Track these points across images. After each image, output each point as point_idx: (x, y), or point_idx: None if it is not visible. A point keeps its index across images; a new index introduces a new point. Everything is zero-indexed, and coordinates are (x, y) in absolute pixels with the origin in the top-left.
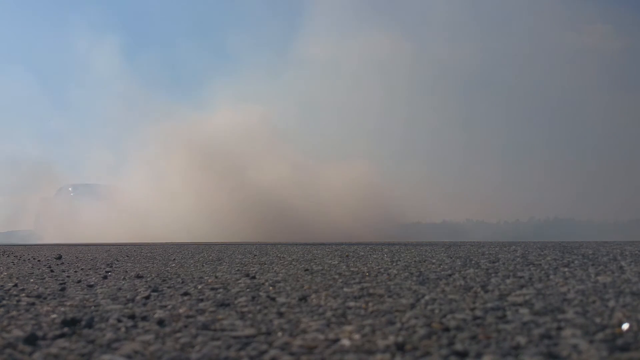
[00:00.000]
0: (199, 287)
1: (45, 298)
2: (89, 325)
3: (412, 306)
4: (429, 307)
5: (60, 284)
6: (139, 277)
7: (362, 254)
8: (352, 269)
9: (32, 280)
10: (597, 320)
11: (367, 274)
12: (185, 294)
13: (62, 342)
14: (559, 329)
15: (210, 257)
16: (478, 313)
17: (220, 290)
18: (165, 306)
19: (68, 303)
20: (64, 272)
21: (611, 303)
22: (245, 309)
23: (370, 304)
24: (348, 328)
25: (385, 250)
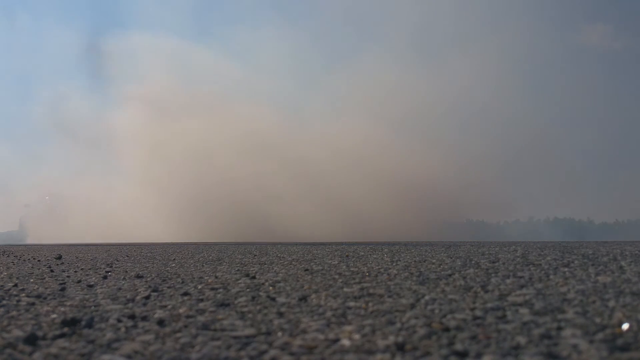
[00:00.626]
0: (199, 287)
1: (45, 298)
2: (89, 325)
3: (412, 306)
4: (429, 307)
5: (60, 284)
6: (139, 277)
7: (362, 254)
8: (352, 269)
9: (32, 280)
10: (597, 320)
11: (367, 274)
12: (185, 294)
13: (62, 342)
14: (559, 329)
15: (210, 257)
16: (478, 313)
17: (220, 290)
18: (165, 306)
19: (68, 303)
20: (64, 272)
21: (611, 303)
22: (245, 309)
23: (370, 304)
24: (348, 328)
25: (385, 250)
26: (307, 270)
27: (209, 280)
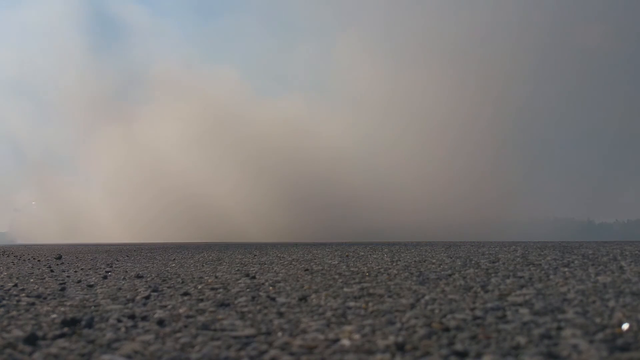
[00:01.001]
0: (199, 287)
1: (45, 298)
2: (89, 325)
3: (412, 306)
4: (429, 307)
5: (60, 284)
6: (139, 277)
7: (362, 254)
8: (352, 269)
9: (32, 280)
10: (597, 320)
11: (367, 274)
12: (185, 294)
13: (62, 342)
14: (559, 329)
15: (210, 257)
16: (478, 313)
17: (220, 290)
18: (165, 306)
19: (68, 303)
20: (64, 272)
21: (611, 303)
22: (245, 309)
23: (370, 304)
24: (348, 328)
25: (385, 250)
26: (307, 270)
27: (209, 280)
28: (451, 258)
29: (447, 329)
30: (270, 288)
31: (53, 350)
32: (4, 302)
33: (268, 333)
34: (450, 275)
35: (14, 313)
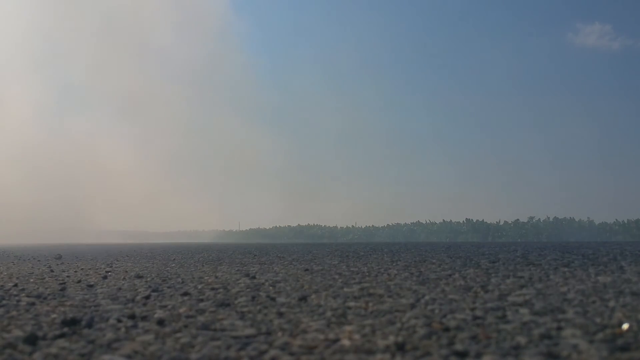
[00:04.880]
0: (199, 287)
1: (45, 298)
2: (89, 325)
3: (412, 306)
4: (429, 307)
5: (60, 284)
6: (139, 277)
7: (362, 254)
8: (352, 269)
9: (32, 280)
10: (597, 320)
11: (367, 274)
12: (185, 294)
13: (62, 342)
14: (559, 329)
15: (210, 257)
16: (478, 313)
17: (220, 290)
18: (165, 306)
19: (68, 303)
20: (64, 272)
21: (611, 303)
22: (245, 309)
23: (370, 304)
24: (348, 328)
25: (385, 250)
26: (307, 270)
27: (209, 280)
28: (451, 258)
29: (447, 329)
30: (270, 288)
31: (53, 350)
32: (4, 302)
33: (268, 333)
34: (450, 275)
35: (14, 313)
